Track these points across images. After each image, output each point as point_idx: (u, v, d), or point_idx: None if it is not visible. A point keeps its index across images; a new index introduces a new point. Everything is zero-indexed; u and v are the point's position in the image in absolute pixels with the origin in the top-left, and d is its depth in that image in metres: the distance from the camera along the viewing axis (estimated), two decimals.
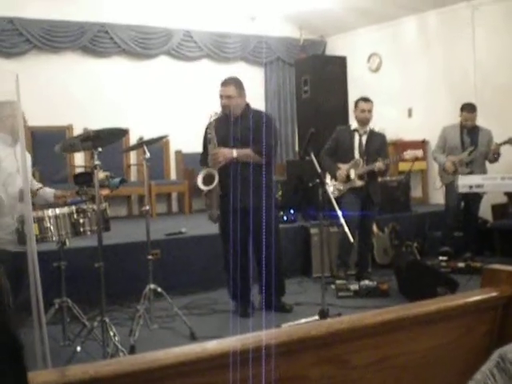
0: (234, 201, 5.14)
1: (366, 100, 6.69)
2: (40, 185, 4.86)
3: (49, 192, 4.78)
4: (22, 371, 0.98)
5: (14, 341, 0.96)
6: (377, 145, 6.68)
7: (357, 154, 6.66)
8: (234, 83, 5.58)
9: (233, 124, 5.44)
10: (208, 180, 5.41)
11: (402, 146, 9.04)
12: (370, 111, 6.66)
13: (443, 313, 2.04)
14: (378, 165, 6.44)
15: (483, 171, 7.29)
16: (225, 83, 5.59)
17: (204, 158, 5.59)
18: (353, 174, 6.58)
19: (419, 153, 6.78)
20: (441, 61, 9.35)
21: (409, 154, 6.56)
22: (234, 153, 5.39)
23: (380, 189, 6.99)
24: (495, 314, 2.15)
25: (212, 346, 1.62)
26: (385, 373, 1.92)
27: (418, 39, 9.76)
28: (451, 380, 2.04)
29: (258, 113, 5.71)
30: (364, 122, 6.67)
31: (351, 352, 1.84)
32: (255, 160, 5.36)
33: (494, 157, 7.22)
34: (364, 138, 6.69)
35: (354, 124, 6.83)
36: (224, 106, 5.55)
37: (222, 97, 5.56)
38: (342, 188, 6.59)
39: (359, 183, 6.57)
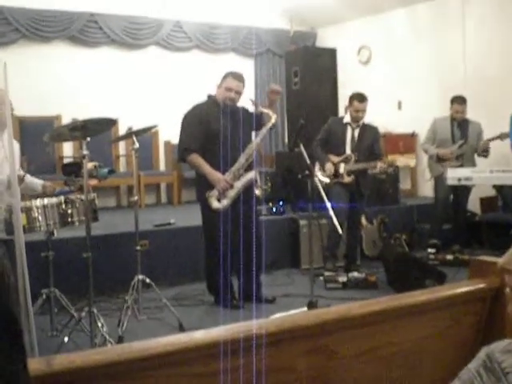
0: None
1: (361, 100, 6.56)
2: (25, 173, 4.82)
3: (37, 183, 4.75)
4: (22, 354, 0.98)
5: (15, 323, 0.97)
6: (369, 140, 6.64)
7: (348, 149, 6.61)
8: (244, 81, 5.59)
9: (227, 116, 5.42)
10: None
11: (391, 138, 9.06)
12: (364, 111, 6.58)
13: (431, 304, 2.04)
14: (380, 165, 6.39)
15: (473, 164, 7.31)
16: (240, 79, 5.55)
17: (195, 142, 5.47)
18: (342, 169, 6.55)
19: (412, 162, 6.84)
20: (431, 53, 9.34)
21: (401, 161, 6.54)
22: (239, 184, 5.40)
23: (369, 182, 6.99)
24: (483, 305, 2.15)
25: (199, 336, 1.62)
26: (373, 363, 1.92)
27: (408, 32, 9.75)
28: (439, 370, 2.05)
29: (241, 107, 5.72)
30: (357, 120, 6.62)
31: (339, 343, 1.84)
32: None
33: (483, 154, 7.24)
34: (356, 132, 6.64)
35: (347, 117, 6.76)
36: (231, 99, 5.47)
37: (231, 90, 5.46)
38: (329, 182, 6.54)
39: (347, 179, 6.53)
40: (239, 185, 5.39)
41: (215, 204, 5.38)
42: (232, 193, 5.37)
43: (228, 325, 1.67)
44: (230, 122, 5.38)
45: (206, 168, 5.41)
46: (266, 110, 5.63)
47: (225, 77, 5.55)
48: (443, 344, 2.09)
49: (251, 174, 5.44)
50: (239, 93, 5.52)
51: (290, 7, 10.30)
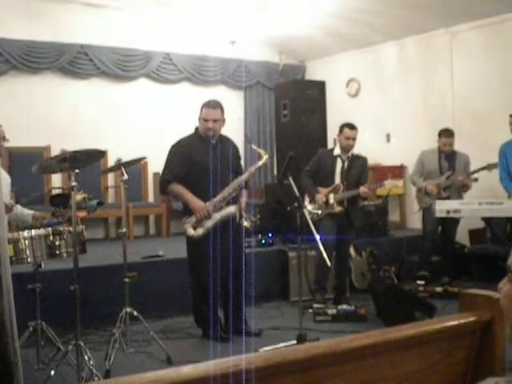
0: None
1: (351, 127, 6.60)
2: (14, 204, 4.80)
3: (27, 214, 4.72)
4: None
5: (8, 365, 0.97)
6: (357, 169, 6.64)
7: (337, 180, 6.62)
8: (220, 107, 5.50)
9: (211, 148, 5.38)
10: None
11: (380, 171, 9.09)
12: (354, 139, 6.60)
13: (421, 337, 2.03)
14: (362, 189, 6.41)
15: (460, 196, 7.34)
16: (212, 106, 5.48)
17: (175, 173, 5.47)
18: (332, 199, 6.55)
19: (400, 183, 6.86)
20: (419, 87, 9.43)
21: (389, 183, 6.53)
22: (218, 216, 5.34)
23: (360, 212, 7.00)
24: (473, 338, 2.14)
25: (187, 370, 1.59)
26: None
27: (396, 65, 9.85)
28: None
29: (230, 140, 5.72)
30: (347, 148, 6.62)
31: (329, 377, 1.82)
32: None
33: (464, 189, 7.29)
34: (346, 164, 6.65)
35: (336, 149, 6.77)
36: (208, 129, 5.41)
37: (207, 120, 5.41)
38: (320, 213, 6.53)
39: (338, 209, 6.54)
40: (218, 217, 5.33)
41: (190, 231, 5.34)
42: (209, 223, 5.31)
43: (216, 359, 1.65)
44: (214, 155, 5.31)
45: (188, 195, 5.38)
46: (257, 149, 5.62)
47: (200, 109, 5.53)
48: (433, 378, 2.07)
49: (232, 209, 5.38)
50: (217, 120, 5.45)
51: (279, 40, 10.39)
